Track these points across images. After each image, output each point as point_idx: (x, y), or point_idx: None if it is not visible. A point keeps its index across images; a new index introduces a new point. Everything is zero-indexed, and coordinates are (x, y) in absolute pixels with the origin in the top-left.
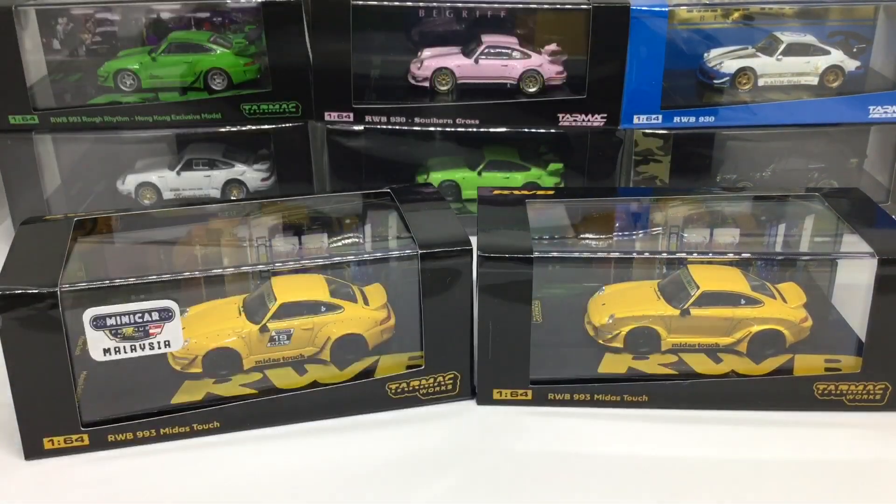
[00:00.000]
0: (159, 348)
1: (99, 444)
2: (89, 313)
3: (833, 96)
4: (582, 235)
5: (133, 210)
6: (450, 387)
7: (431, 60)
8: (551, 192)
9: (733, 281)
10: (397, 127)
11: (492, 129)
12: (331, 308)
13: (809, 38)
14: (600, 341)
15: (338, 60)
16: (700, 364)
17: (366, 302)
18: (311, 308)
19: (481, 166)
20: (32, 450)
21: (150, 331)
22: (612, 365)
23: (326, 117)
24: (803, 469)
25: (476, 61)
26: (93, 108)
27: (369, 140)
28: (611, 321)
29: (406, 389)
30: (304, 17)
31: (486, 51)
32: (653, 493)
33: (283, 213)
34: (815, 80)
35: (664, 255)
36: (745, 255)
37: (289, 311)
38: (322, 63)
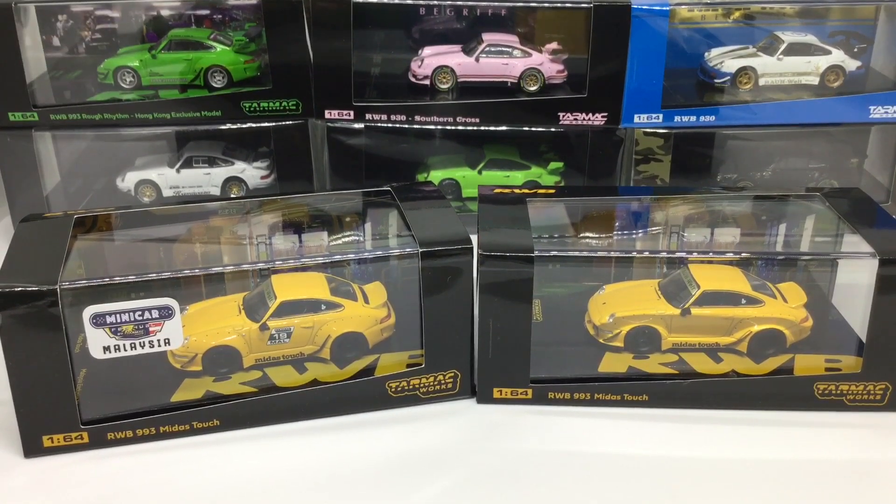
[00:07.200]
0: (159, 346)
1: (98, 441)
2: (89, 311)
3: (834, 96)
4: (582, 234)
5: (133, 207)
6: (450, 385)
7: (432, 58)
8: (552, 191)
9: (734, 280)
10: (398, 125)
11: (492, 128)
12: (331, 306)
13: (810, 38)
14: (601, 340)
15: (338, 58)
16: (700, 363)
17: (366, 300)
18: (312, 306)
19: (482, 165)
20: (32, 448)
21: (150, 329)
22: (613, 364)
23: (327, 115)
24: (803, 469)
25: (477, 60)
26: (93, 106)
27: (370, 138)
28: (611, 320)
29: (406, 388)
30: (305, 15)
31: (487, 49)
32: (653, 493)
33: (284, 211)
34: (815, 80)
35: (664, 254)
36: (745, 255)
37: (289, 309)
38: (322, 61)
